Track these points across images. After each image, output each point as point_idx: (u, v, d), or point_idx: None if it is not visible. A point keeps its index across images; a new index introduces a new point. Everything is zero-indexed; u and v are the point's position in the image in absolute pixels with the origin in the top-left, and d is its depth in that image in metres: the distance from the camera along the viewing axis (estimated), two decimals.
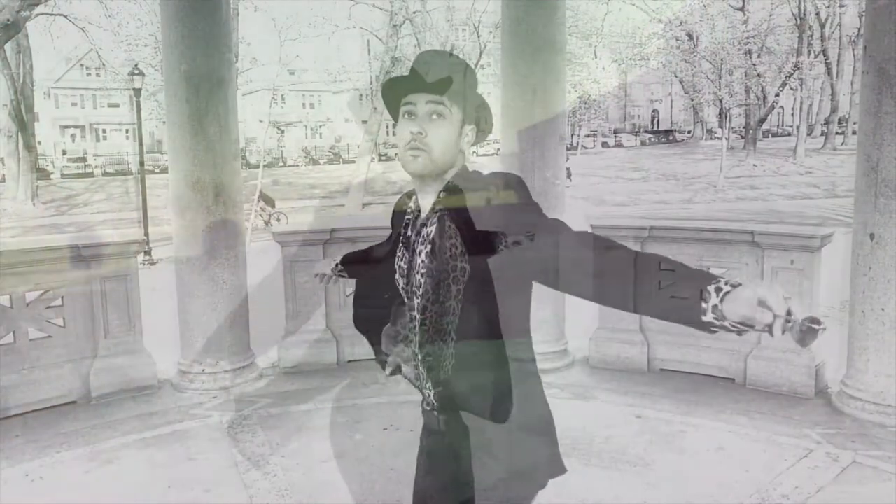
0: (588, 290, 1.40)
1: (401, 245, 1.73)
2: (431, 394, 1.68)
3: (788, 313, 1.11)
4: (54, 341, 4.74)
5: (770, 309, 1.12)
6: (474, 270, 1.57)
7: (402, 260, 1.72)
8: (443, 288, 1.60)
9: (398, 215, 1.78)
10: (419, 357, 1.68)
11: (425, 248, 1.65)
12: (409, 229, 1.71)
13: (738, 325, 1.16)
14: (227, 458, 3.92)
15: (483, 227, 1.55)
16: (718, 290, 1.17)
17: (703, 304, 1.18)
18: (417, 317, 1.66)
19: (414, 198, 1.73)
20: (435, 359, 1.64)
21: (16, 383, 4.56)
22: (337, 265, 2.15)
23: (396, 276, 1.75)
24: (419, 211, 1.70)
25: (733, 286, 1.17)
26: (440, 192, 1.64)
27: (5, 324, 4.56)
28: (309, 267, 5.23)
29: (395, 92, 1.64)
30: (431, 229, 1.64)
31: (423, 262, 1.64)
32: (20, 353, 4.62)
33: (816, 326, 1.10)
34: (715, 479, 3.59)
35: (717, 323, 1.17)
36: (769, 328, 1.12)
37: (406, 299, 1.71)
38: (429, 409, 1.72)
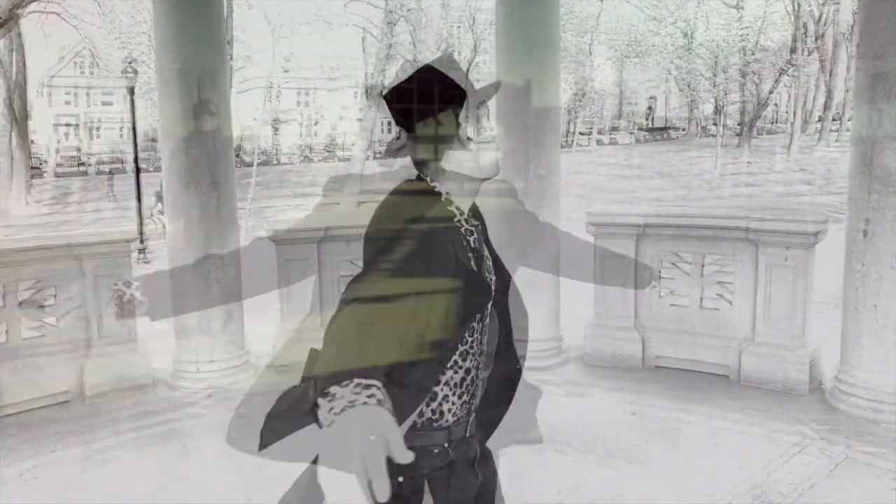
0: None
1: (471, 259, 1.53)
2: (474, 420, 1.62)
3: None
4: (48, 339, 4.72)
5: None
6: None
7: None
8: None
9: (444, 222, 1.54)
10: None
11: (489, 253, 1.61)
12: (471, 238, 1.57)
13: None
14: (223, 457, 3.91)
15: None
16: None
17: None
18: (498, 333, 1.61)
19: (452, 201, 1.57)
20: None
21: (10, 382, 4.55)
22: None
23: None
24: (462, 217, 1.58)
25: None
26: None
27: None
28: (304, 265, 5.22)
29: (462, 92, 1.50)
30: (479, 236, 1.61)
31: (493, 268, 1.61)
32: (14, 351, 4.60)
33: None
34: (710, 474, 3.60)
35: None
36: None
37: (482, 321, 1.57)
38: (470, 437, 1.63)
